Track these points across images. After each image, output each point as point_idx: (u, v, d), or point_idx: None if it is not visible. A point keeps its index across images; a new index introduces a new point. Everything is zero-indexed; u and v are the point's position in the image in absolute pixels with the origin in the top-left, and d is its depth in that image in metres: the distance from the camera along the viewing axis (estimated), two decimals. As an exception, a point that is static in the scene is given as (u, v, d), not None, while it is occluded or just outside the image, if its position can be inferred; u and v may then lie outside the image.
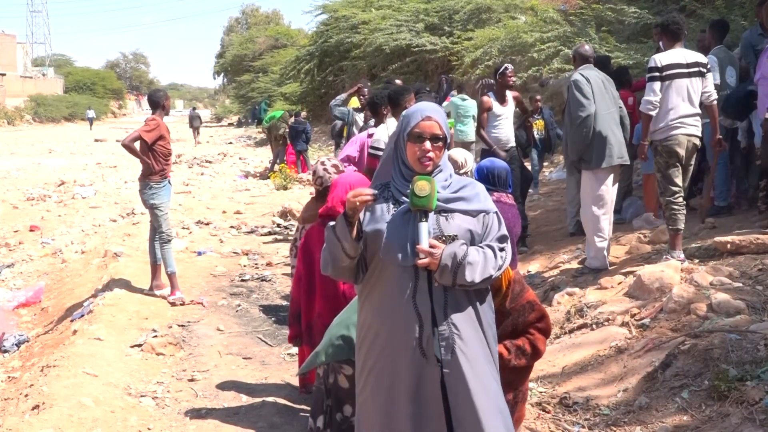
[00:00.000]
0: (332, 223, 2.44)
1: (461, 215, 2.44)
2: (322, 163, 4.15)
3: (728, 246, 5.17)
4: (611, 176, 5.75)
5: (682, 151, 5.20)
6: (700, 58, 5.28)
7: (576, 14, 12.88)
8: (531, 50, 12.62)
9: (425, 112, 2.44)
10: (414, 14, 19.79)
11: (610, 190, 5.75)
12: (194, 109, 39.27)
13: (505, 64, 7.09)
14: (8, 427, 3.91)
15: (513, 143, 6.96)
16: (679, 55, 5.21)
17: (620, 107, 5.96)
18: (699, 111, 5.25)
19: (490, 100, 6.85)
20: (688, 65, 5.16)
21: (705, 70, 5.23)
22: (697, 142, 5.30)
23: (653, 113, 5.22)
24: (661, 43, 5.99)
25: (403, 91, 5.29)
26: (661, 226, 6.17)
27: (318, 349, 3.11)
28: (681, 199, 5.24)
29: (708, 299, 4.38)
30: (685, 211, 5.26)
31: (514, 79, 6.99)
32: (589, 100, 5.63)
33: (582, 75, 5.79)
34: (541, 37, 12.60)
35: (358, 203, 2.35)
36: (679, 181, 5.25)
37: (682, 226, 5.24)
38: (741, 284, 4.57)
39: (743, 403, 3.34)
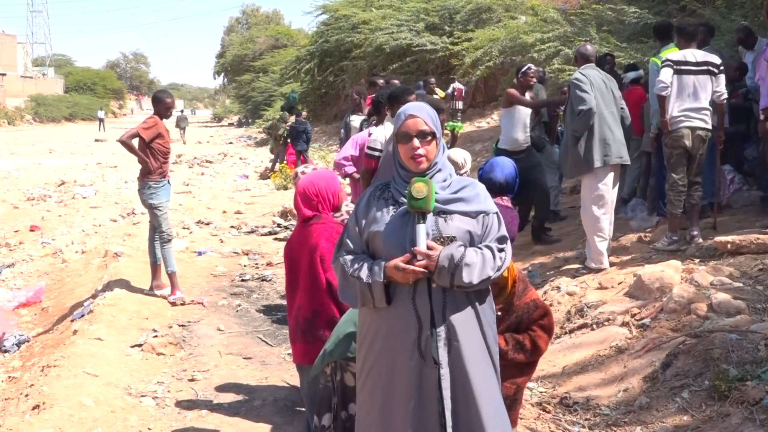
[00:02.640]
0: (365, 276, 2.39)
1: (460, 216, 2.43)
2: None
3: (728, 246, 5.19)
4: (611, 176, 5.75)
5: (687, 143, 5.59)
6: (711, 58, 5.63)
7: (576, 14, 12.88)
8: (531, 50, 12.63)
9: (408, 111, 2.47)
10: (414, 14, 19.79)
11: (610, 190, 5.75)
12: (182, 111, 39.66)
13: (528, 64, 7.15)
14: (8, 427, 3.91)
15: (529, 143, 6.97)
16: (690, 54, 5.60)
17: (622, 108, 5.96)
18: (705, 106, 5.59)
19: (516, 92, 6.85)
20: (697, 64, 5.56)
21: (716, 71, 5.60)
22: (704, 134, 5.62)
23: (664, 93, 5.60)
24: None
25: (402, 91, 5.25)
26: (660, 225, 6.18)
27: (326, 346, 3.11)
28: (682, 187, 5.69)
29: (708, 299, 4.38)
30: (682, 198, 5.73)
31: (535, 79, 6.96)
32: (589, 95, 5.67)
33: (582, 74, 5.80)
34: (541, 37, 12.61)
35: (406, 276, 2.34)
36: (681, 170, 5.67)
37: (678, 211, 5.73)
38: (741, 284, 4.58)
39: (743, 403, 3.35)
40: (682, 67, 5.56)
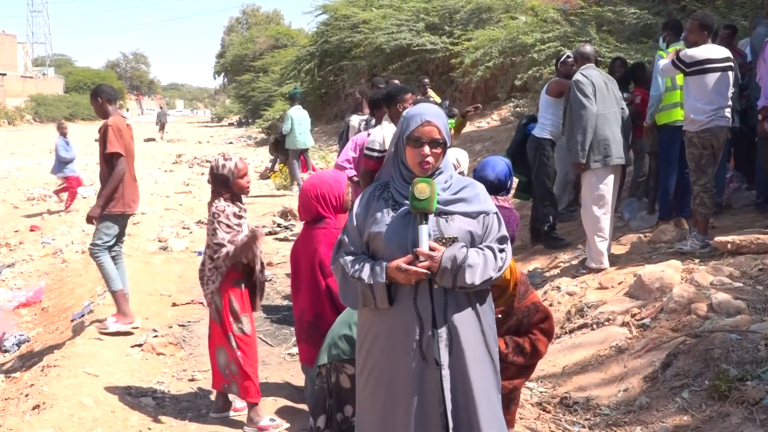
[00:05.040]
0: (367, 276, 2.39)
1: (461, 217, 2.43)
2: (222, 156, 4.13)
3: (729, 246, 5.19)
4: (611, 176, 5.76)
5: (717, 143, 5.48)
6: (729, 53, 5.54)
7: (576, 14, 12.87)
8: (531, 51, 12.63)
9: (425, 116, 2.43)
10: (414, 14, 19.78)
11: (610, 190, 5.76)
12: (161, 108, 40.34)
13: (565, 52, 7.10)
14: (8, 426, 3.91)
15: None
16: (711, 50, 5.45)
17: (622, 108, 5.96)
18: (730, 104, 5.48)
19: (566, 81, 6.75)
20: (719, 60, 5.41)
21: (733, 65, 5.50)
22: (728, 132, 5.54)
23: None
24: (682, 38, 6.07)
25: (398, 91, 5.25)
26: (661, 226, 6.18)
27: (321, 348, 3.12)
28: (712, 187, 5.57)
29: (708, 299, 4.38)
30: (714, 199, 5.68)
31: (576, 68, 6.52)
32: (590, 99, 5.66)
33: (583, 75, 5.81)
34: (541, 37, 12.60)
35: (408, 277, 2.34)
36: (711, 170, 5.55)
37: (710, 212, 5.64)
38: (741, 284, 4.58)
39: (744, 403, 3.35)
40: (706, 66, 5.38)
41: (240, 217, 4.00)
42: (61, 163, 11.97)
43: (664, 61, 5.75)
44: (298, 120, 13.03)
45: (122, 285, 5.70)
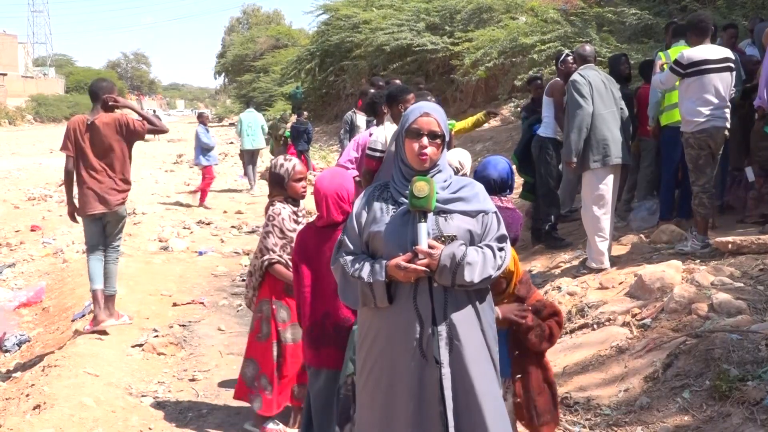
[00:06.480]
0: (366, 275, 2.40)
1: (460, 216, 2.44)
2: (281, 165, 4.06)
3: (729, 246, 5.19)
4: (611, 176, 5.75)
5: (714, 143, 5.45)
6: (728, 54, 5.49)
7: (577, 15, 12.88)
8: (531, 51, 12.64)
9: (423, 109, 2.47)
10: (415, 14, 19.79)
11: (610, 189, 5.75)
12: (154, 111, 41.29)
13: (565, 51, 7.11)
14: (9, 426, 3.91)
15: None
16: (708, 51, 5.41)
17: (621, 108, 5.96)
18: (728, 104, 5.45)
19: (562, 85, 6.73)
20: (717, 61, 5.38)
21: (734, 66, 5.47)
22: (727, 132, 5.51)
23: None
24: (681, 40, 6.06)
25: (400, 90, 5.25)
26: (662, 226, 6.17)
27: (348, 355, 3.08)
28: (711, 187, 5.56)
29: (709, 299, 4.38)
30: (713, 199, 5.69)
31: (576, 66, 6.40)
32: (586, 99, 5.65)
33: (581, 75, 5.80)
34: (541, 38, 12.61)
35: (407, 274, 2.34)
36: (709, 171, 5.51)
37: (709, 212, 5.61)
38: (742, 284, 4.58)
39: (744, 403, 3.35)
40: (702, 67, 5.34)
41: (296, 222, 3.91)
42: (202, 150, 12.41)
43: (662, 75, 5.71)
44: (247, 123, 13.67)
45: (105, 286, 5.53)
